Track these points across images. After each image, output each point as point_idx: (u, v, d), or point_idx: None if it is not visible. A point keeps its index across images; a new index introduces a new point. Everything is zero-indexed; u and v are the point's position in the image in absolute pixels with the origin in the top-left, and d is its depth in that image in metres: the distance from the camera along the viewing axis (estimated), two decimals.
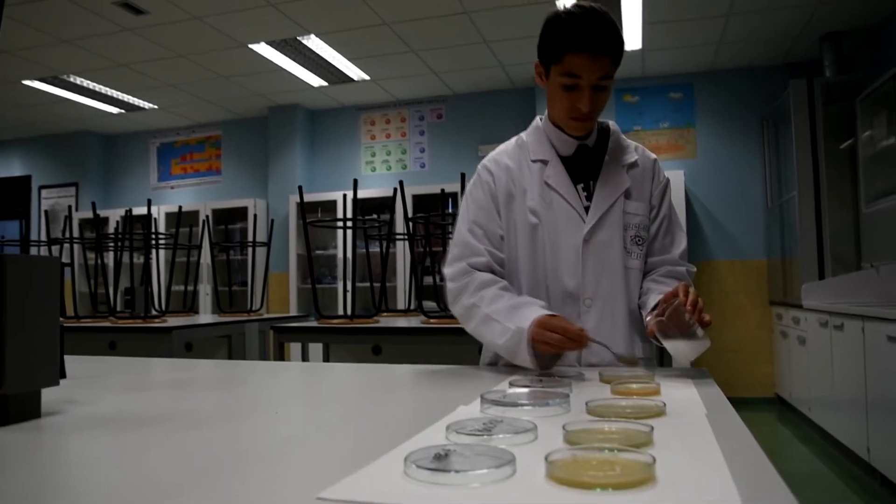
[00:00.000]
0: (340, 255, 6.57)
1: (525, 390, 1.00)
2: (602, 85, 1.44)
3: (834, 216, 4.85)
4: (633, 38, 5.35)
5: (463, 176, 3.02)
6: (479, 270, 1.53)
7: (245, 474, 0.66)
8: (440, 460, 0.63)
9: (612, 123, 1.66)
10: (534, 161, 1.57)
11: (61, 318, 3.79)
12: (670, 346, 1.29)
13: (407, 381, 1.40)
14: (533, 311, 1.36)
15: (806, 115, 4.97)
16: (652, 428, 0.73)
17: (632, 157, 1.59)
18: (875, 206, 4.33)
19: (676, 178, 5.76)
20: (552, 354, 1.34)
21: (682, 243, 1.61)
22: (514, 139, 1.67)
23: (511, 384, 1.08)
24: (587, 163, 1.57)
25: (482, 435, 0.73)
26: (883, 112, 4.27)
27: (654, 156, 1.65)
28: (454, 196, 5.22)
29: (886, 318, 3.24)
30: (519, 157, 1.60)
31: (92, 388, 1.28)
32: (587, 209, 1.53)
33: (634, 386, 1.05)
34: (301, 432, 0.90)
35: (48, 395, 0.97)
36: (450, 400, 0.99)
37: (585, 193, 1.54)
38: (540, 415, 0.85)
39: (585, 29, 1.40)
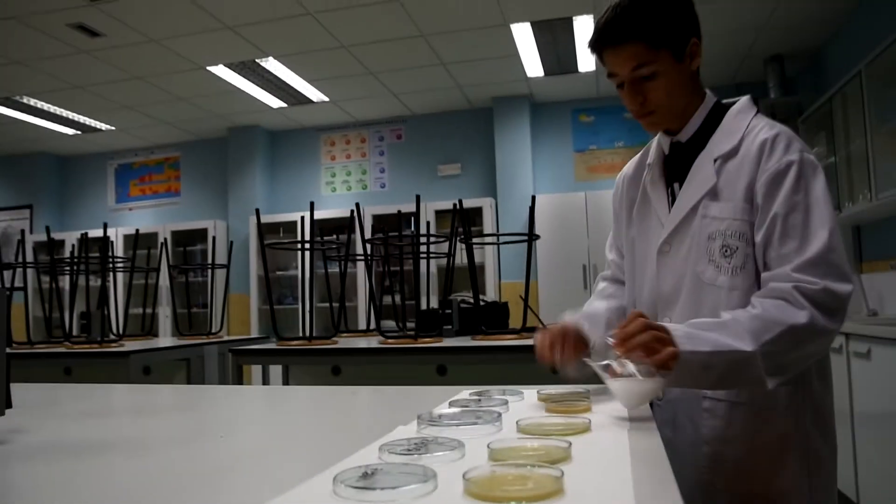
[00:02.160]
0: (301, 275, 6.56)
1: (459, 410, 1.04)
2: (643, 75, 1.27)
3: None
4: (587, 60, 5.49)
5: (418, 198, 3.07)
6: (605, 280, 1.59)
7: (184, 498, 0.69)
8: (366, 478, 0.67)
9: (741, 101, 1.36)
10: (648, 164, 1.44)
11: (13, 345, 3.71)
12: (610, 385, 1.08)
13: (355, 404, 1.44)
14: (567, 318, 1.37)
15: None
16: (570, 444, 0.78)
17: (728, 145, 1.28)
18: None
19: None
20: (575, 362, 1.28)
21: (808, 249, 1.14)
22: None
23: (451, 403, 1.13)
24: (683, 161, 1.35)
25: (412, 454, 0.78)
26: (822, 132, 4.45)
27: (772, 133, 1.24)
28: (410, 217, 5.27)
29: (847, 332, 3.37)
30: (641, 162, 1.51)
31: (40, 416, 1.29)
32: (668, 217, 1.35)
33: (567, 404, 1.10)
34: (242, 456, 0.93)
35: None
36: (391, 420, 1.03)
37: (672, 198, 1.36)
38: (471, 434, 0.90)
39: (599, 24, 1.31)
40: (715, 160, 1.28)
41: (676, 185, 1.35)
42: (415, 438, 0.85)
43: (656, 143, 1.44)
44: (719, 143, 1.30)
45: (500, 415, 0.96)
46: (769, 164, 1.20)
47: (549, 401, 1.13)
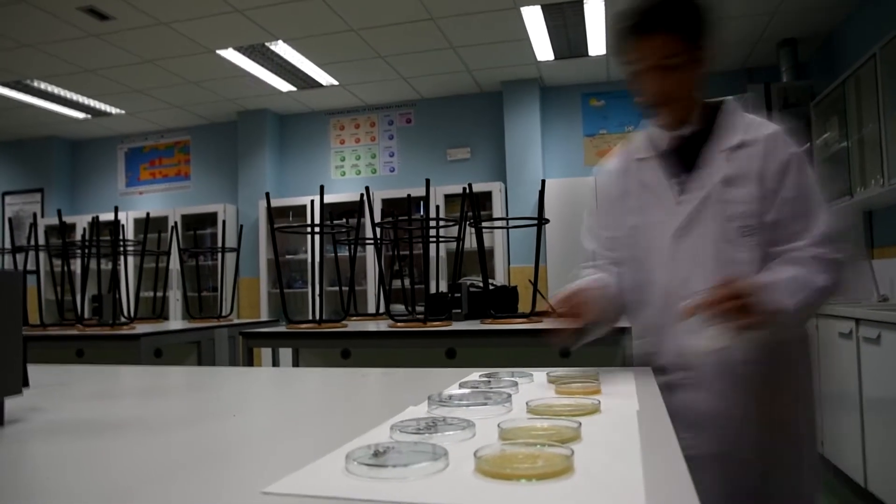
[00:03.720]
0: (311, 259, 6.59)
1: (469, 391, 1.05)
2: (670, 65, 1.37)
3: None
4: (597, 43, 5.44)
5: (427, 181, 3.07)
6: (591, 268, 1.63)
7: (197, 475, 0.71)
8: (378, 456, 0.68)
9: (729, 101, 1.52)
10: (637, 160, 1.55)
11: (26, 327, 3.75)
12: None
13: (365, 385, 1.45)
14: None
15: (764, 118, 5.10)
16: (580, 424, 0.79)
17: (736, 139, 1.43)
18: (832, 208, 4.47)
19: None
20: (573, 331, 1.38)
21: (818, 226, 1.36)
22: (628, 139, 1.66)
23: (461, 385, 1.14)
24: (687, 154, 1.47)
25: (423, 433, 0.79)
26: (834, 117, 4.41)
27: (774, 128, 1.44)
28: (420, 201, 5.27)
29: (837, 315, 3.36)
30: (626, 157, 1.59)
31: (55, 397, 1.31)
32: (681, 205, 1.45)
33: (576, 385, 1.11)
34: (255, 434, 0.94)
35: (11, 403, 1.00)
36: (402, 401, 1.04)
37: (679, 188, 1.46)
38: (482, 414, 0.91)
39: (638, 10, 1.39)
40: (723, 151, 1.42)
41: (684, 176, 1.45)
42: (425, 418, 0.86)
43: (646, 139, 1.56)
44: (724, 136, 1.44)
45: (510, 395, 0.97)
46: (777, 154, 1.38)
47: (559, 382, 1.14)
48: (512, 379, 1.18)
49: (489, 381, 1.16)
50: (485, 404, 0.93)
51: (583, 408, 0.93)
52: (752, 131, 1.43)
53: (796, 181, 1.38)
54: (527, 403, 0.94)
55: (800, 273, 1.31)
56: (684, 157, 1.47)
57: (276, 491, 0.61)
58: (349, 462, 0.66)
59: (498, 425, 0.78)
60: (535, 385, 1.19)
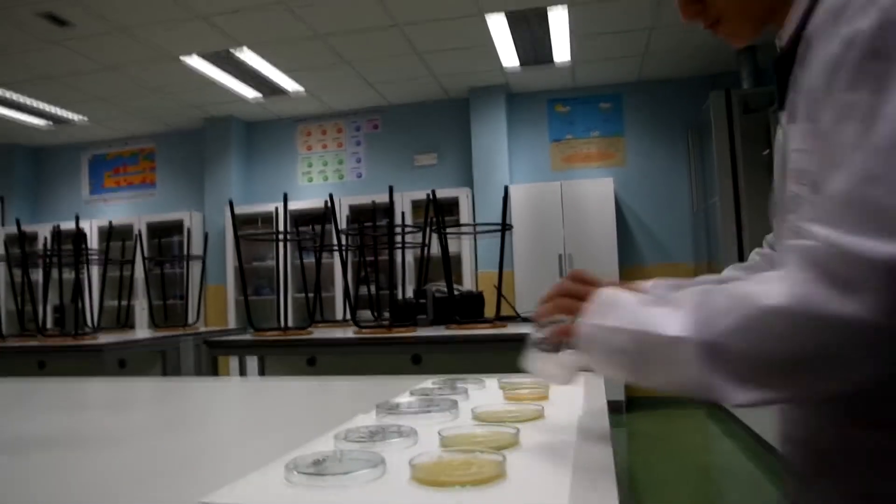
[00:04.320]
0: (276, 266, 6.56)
1: (417, 399, 1.07)
2: None
3: (754, 221, 5.10)
4: (562, 50, 5.51)
5: (391, 189, 3.09)
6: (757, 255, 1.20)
7: (136, 488, 0.71)
8: (317, 465, 0.69)
9: None
10: None
11: None
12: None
13: (322, 394, 1.46)
14: None
15: (725, 124, 5.21)
16: (518, 430, 0.81)
17: (812, 26, 0.76)
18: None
19: (606, 185, 5.96)
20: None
21: (837, 183, 0.65)
22: None
23: (412, 393, 1.15)
24: (784, 75, 0.85)
25: (366, 441, 0.80)
26: None
27: None
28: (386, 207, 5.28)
29: None
30: None
31: (9, 410, 1.30)
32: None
33: (524, 391, 1.13)
34: (202, 446, 0.95)
35: None
36: (354, 410, 1.05)
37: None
38: (427, 421, 0.93)
39: None
40: (803, 64, 0.79)
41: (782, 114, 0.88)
42: (371, 427, 0.87)
43: None
44: (810, 43, 0.77)
45: (455, 403, 0.99)
46: (830, 41, 0.70)
47: (508, 388, 1.16)
48: (464, 386, 1.20)
49: (441, 389, 1.18)
50: (430, 412, 0.95)
51: (526, 414, 0.95)
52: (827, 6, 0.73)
53: (845, 91, 0.67)
54: (472, 410, 0.96)
55: (734, 287, 0.71)
56: (781, 83, 0.87)
57: (214, 501, 0.62)
58: (289, 471, 0.68)
59: (438, 433, 0.80)
60: (486, 391, 1.21)
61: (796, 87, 0.80)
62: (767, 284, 0.67)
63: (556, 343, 0.89)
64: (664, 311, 0.74)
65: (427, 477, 0.65)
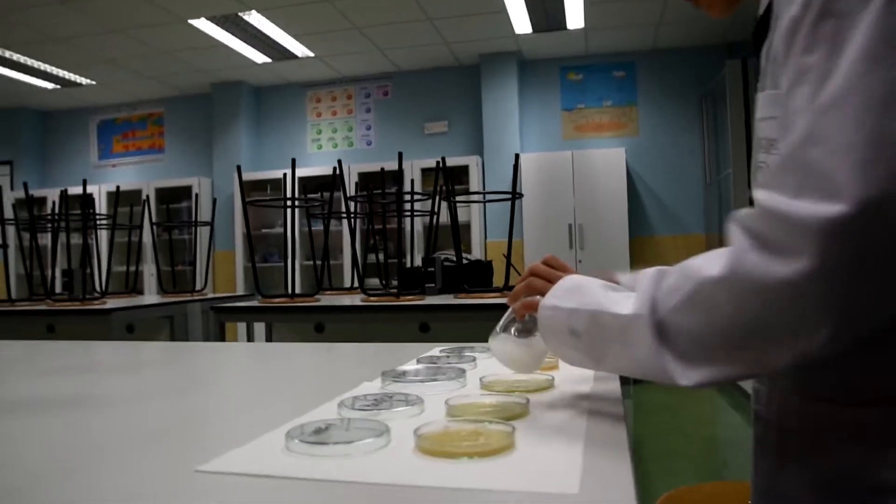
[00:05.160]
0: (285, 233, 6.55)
1: (423, 366, 1.05)
2: None
3: None
4: (575, 17, 5.40)
5: (400, 155, 3.05)
6: None
7: (132, 453, 0.69)
8: (319, 434, 0.67)
9: None
10: None
11: None
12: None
13: (328, 360, 1.44)
14: None
15: (741, 94, 5.12)
16: (528, 400, 0.78)
17: None
18: None
19: (618, 155, 5.88)
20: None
21: (784, 145, 0.63)
22: None
23: (419, 360, 1.13)
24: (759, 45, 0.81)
25: (370, 409, 0.78)
26: None
27: None
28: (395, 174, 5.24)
29: None
30: None
31: (16, 372, 1.30)
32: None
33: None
34: (201, 412, 0.93)
35: None
36: (359, 377, 1.03)
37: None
38: (434, 390, 0.90)
39: None
40: (774, 27, 0.74)
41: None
42: (376, 394, 0.85)
43: None
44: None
45: (464, 371, 0.97)
46: (792, 3, 0.66)
47: None
48: (472, 354, 1.17)
49: (448, 356, 1.16)
50: (437, 380, 0.93)
51: (535, 384, 0.93)
52: None
53: (801, 53, 0.64)
54: (480, 379, 0.94)
55: (684, 264, 0.69)
56: (758, 53, 0.82)
57: (210, 469, 0.60)
58: (289, 440, 0.66)
59: (445, 402, 0.78)
60: (494, 361, 1.18)
61: (767, 55, 0.76)
62: (710, 258, 0.65)
63: (521, 318, 0.90)
64: (622, 294, 0.74)
65: (433, 447, 0.63)
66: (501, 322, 0.95)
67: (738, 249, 0.62)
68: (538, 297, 0.86)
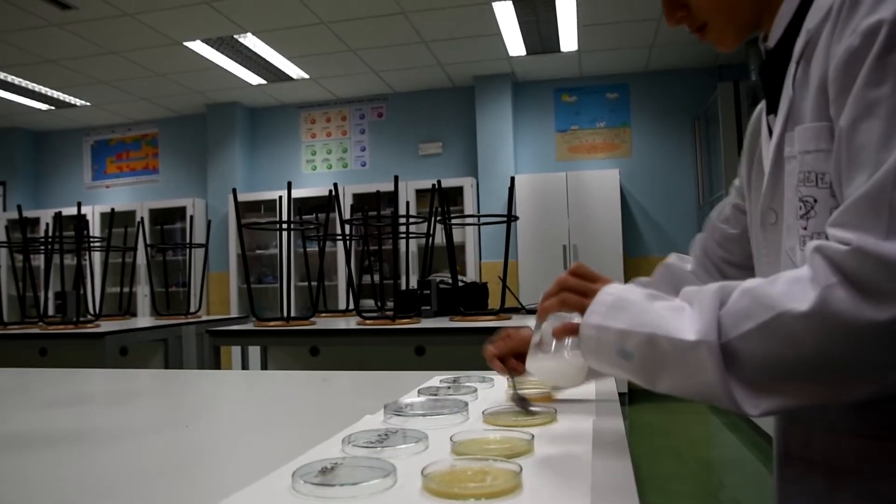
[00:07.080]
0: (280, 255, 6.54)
1: (426, 399, 1.04)
2: None
3: None
4: (569, 39, 5.45)
5: (396, 178, 3.05)
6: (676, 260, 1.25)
7: (141, 492, 0.69)
8: (325, 474, 0.66)
9: None
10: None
11: None
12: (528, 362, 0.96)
13: (325, 390, 1.43)
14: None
15: (733, 116, 5.16)
16: (532, 437, 0.78)
17: (805, 28, 0.76)
18: None
19: (612, 176, 5.91)
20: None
21: (866, 182, 0.62)
22: None
23: (419, 391, 1.13)
24: (774, 76, 0.84)
25: (374, 447, 0.77)
26: None
27: None
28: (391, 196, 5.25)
29: None
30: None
31: (8, 405, 1.28)
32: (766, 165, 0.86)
33: (532, 392, 1.10)
34: (206, 447, 0.92)
35: None
36: (360, 409, 1.03)
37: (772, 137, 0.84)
38: (437, 424, 0.90)
39: None
40: (797, 62, 0.77)
41: (772, 117, 0.85)
42: (378, 430, 0.85)
43: None
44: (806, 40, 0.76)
45: (466, 404, 0.96)
46: (843, 36, 0.67)
47: (517, 387, 1.13)
48: (471, 385, 1.17)
49: (448, 387, 1.15)
50: (440, 414, 0.92)
51: (538, 418, 0.92)
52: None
53: (865, 87, 0.64)
54: (483, 412, 0.93)
55: (753, 287, 0.67)
56: (769, 85, 0.85)
57: None
58: (296, 480, 0.65)
59: (450, 438, 0.78)
60: (495, 390, 1.18)
61: (804, 85, 0.76)
62: (791, 288, 0.64)
63: (562, 341, 0.86)
64: (675, 311, 0.71)
65: (440, 487, 0.63)
66: (533, 339, 0.92)
67: (826, 284, 0.61)
68: (575, 313, 0.83)
